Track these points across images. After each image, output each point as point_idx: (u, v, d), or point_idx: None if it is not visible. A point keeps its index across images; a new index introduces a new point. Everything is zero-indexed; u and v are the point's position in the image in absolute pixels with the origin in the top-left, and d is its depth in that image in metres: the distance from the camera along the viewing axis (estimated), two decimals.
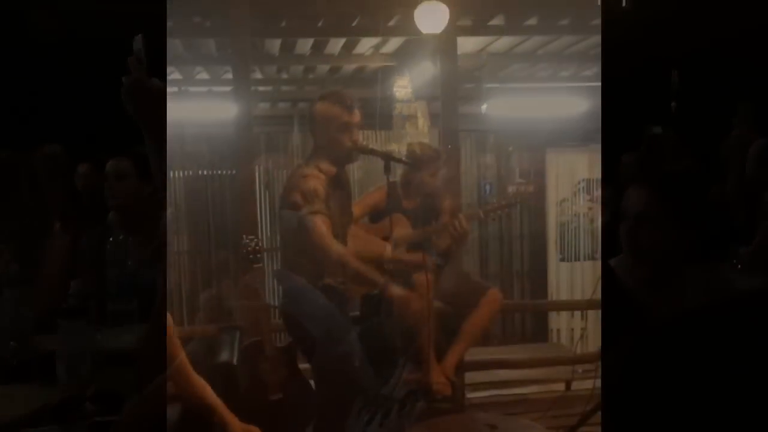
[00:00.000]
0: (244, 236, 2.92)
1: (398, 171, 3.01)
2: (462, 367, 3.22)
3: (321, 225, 2.29)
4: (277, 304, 2.68)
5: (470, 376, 3.62)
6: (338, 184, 2.46)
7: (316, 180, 2.32)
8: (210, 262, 5.32)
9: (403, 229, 3.09)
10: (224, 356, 2.84)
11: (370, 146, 2.34)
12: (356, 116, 2.38)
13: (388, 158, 2.38)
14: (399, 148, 3.92)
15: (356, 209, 2.77)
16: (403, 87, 5.74)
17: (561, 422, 3.12)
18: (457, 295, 3.10)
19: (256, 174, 4.78)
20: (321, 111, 2.40)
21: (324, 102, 2.41)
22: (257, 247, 2.87)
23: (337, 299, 2.49)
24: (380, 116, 7.37)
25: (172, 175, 5.32)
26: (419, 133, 5.67)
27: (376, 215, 3.21)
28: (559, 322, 6.10)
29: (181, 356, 1.96)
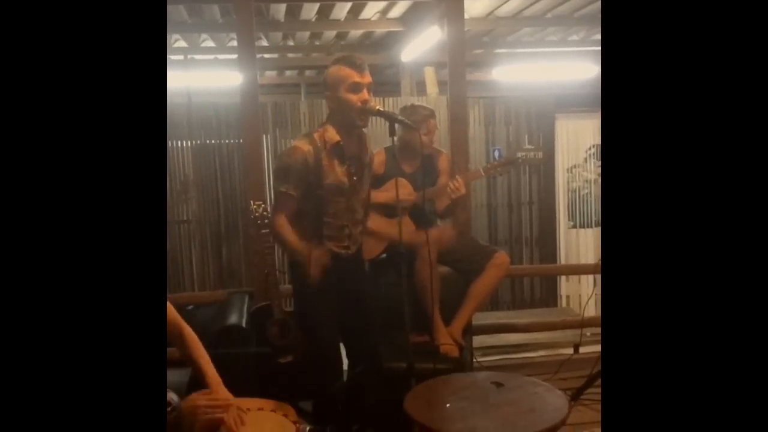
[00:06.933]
0: (252, 202, 2.93)
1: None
2: (470, 330, 3.23)
3: (279, 203, 2.42)
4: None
5: (479, 340, 3.64)
6: (344, 151, 2.43)
7: (293, 156, 2.38)
8: (219, 230, 5.35)
9: (405, 191, 3.09)
10: (233, 319, 2.87)
11: (377, 107, 2.36)
12: (366, 77, 2.40)
13: (394, 120, 2.36)
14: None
15: None
16: (410, 53, 5.68)
17: (569, 384, 3.15)
18: (464, 259, 3.10)
19: (264, 142, 4.76)
20: (333, 73, 2.42)
21: (336, 65, 2.44)
22: (264, 212, 2.88)
23: (338, 263, 2.49)
24: (388, 83, 7.32)
25: (180, 144, 5.32)
26: (428, 99, 5.63)
27: (376, 181, 3.20)
28: (568, 288, 6.10)
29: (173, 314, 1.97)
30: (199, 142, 5.34)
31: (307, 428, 1.80)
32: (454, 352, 2.89)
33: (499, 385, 1.98)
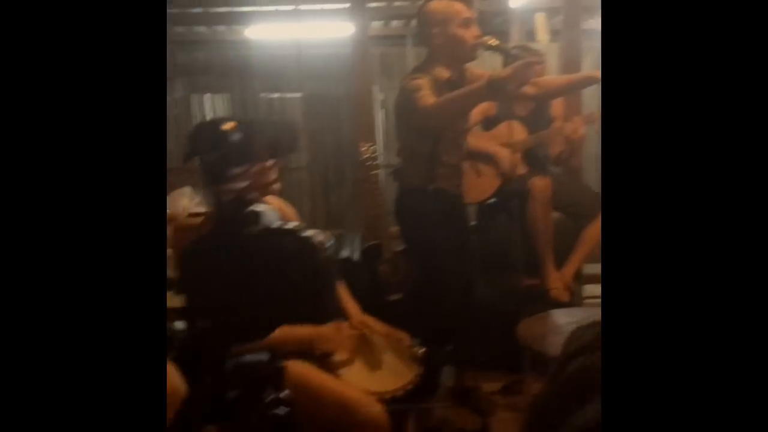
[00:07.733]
0: (362, 143, 2.96)
1: None
2: (581, 279, 3.15)
3: (424, 94, 2.18)
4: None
5: (589, 290, 3.54)
6: (455, 87, 2.37)
7: (419, 79, 2.28)
8: (327, 176, 5.49)
9: (517, 134, 3.02)
10: (345, 253, 2.95)
11: (492, 42, 2.25)
12: (473, 11, 2.33)
13: (509, 55, 2.28)
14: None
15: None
16: None
17: None
18: (576, 204, 3.01)
19: (372, 93, 4.79)
20: (440, 8, 2.32)
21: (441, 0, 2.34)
22: (374, 154, 2.91)
23: (449, 204, 2.47)
24: (495, 32, 7.12)
25: (290, 95, 5.46)
26: (539, 47, 5.40)
27: (487, 122, 3.15)
28: None
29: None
30: (307, 93, 5.46)
31: (421, 349, 1.84)
32: (565, 297, 2.84)
33: None
